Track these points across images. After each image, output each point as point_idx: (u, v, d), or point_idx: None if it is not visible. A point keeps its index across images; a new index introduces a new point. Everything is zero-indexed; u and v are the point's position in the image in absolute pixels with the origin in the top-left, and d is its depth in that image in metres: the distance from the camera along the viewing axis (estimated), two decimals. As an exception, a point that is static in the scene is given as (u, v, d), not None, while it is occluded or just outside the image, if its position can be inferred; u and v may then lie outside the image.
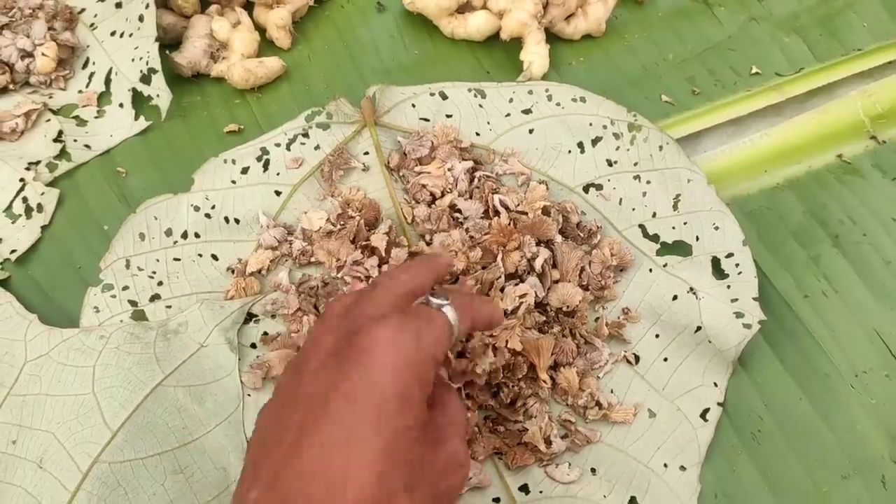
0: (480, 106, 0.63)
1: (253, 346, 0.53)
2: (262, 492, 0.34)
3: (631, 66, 0.68)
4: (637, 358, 0.53)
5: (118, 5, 0.68)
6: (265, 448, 0.36)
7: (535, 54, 0.67)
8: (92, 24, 0.68)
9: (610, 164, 0.60)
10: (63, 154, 0.62)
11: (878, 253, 0.58)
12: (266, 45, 0.69)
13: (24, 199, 0.59)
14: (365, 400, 0.34)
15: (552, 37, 0.70)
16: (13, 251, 0.57)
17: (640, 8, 0.72)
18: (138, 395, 0.49)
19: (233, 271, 0.56)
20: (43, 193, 0.60)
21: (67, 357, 0.51)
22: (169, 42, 0.68)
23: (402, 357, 0.35)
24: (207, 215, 0.57)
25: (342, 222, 0.56)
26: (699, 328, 0.53)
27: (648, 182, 0.59)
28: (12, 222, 0.59)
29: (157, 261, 0.56)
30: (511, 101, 0.63)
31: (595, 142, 0.61)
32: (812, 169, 0.62)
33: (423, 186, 0.58)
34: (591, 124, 0.62)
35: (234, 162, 0.60)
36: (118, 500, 0.47)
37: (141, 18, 0.66)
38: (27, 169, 0.60)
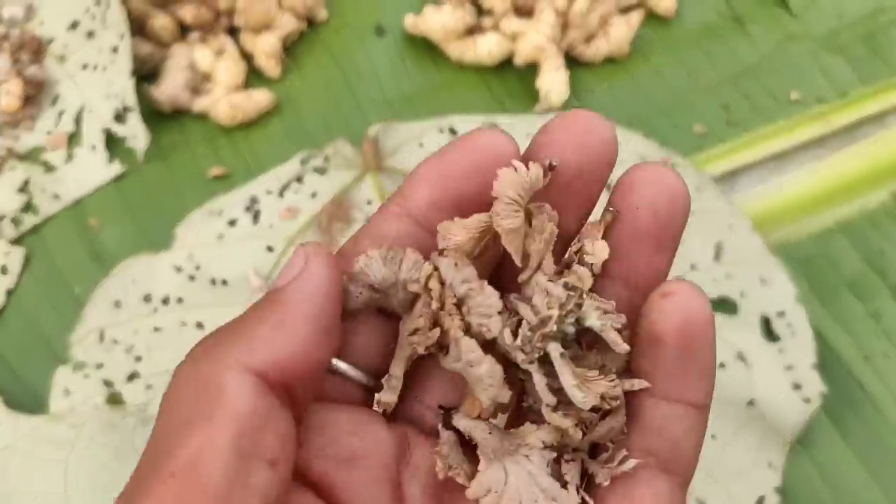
0: (495, 143, 0.57)
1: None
2: None
3: (659, 91, 0.63)
4: (681, 435, 0.48)
5: (90, 35, 0.62)
6: None
7: (554, 81, 0.61)
8: (62, 57, 0.62)
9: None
10: (29, 207, 0.56)
11: (944, 304, 0.52)
12: (254, 76, 0.63)
13: (-14, 260, 0.54)
14: None
15: (571, 61, 0.64)
16: (-27, 320, 0.52)
17: (666, 27, 0.66)
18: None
19: (222, 342, 0.50)
20: (8, 253, 0.54)
21: (36, 448, 0.45)
22: (146, 74, 0.62)
23: None
24: (191, 277, 0.52)
25: (344, 283, 0.51)
26: (751, 402, 0.48)
27: (685, 229, 0.54)
28: (-28, 286, 0.53)
29: (136, 332, 0.50)
30: (529, 136, 0.58)
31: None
32: (865, 209, 0.57)
33: (434, 239, 0.52)
34: (619, 163, 0.56)
35: (220, 213, 0.54)
36: None
37: (115, 50, 0.60)
38: (-11, 225, 0.55)
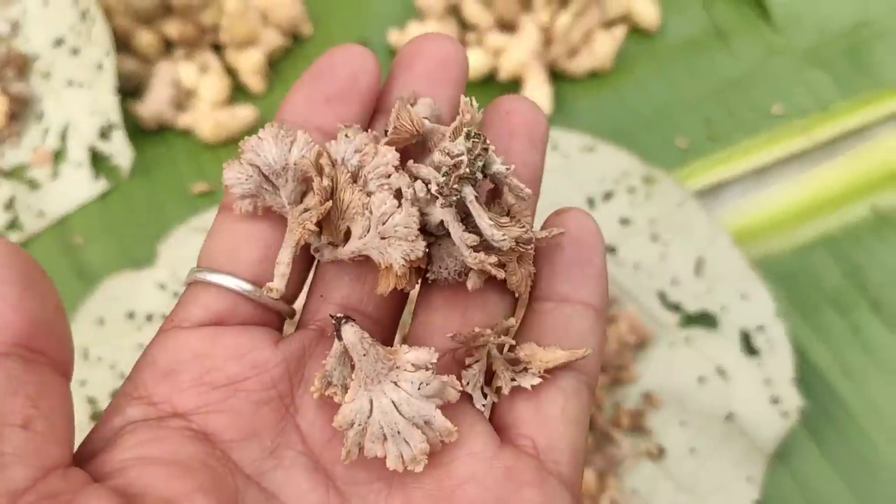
0: (478, 158, 0.58)
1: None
2: None
3: (642, 105, 0.63)
4: (661, 451, 0.48)
5: (75, 52, 0.62)
6: None
7: (538, 96, 0.62)
8: (47, 73, 0.63)
9: (623, 223, 0.55)
10: (14, 224, 0.56)
11: (924, 319, 0.53)
12: (239, 91, 0.64)
13: (-30, 278, 0.54)
14: None
15: (555, 75, 0.64)
16: (-43, 339, 0.52)
17: (650, 41, 0.67)
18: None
19: (205, 359, 0.50)
20: (-10, 270, 0.54)
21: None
22: (131, 90, 0.63)
23: None
24: (175, 294, 0.52)
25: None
26: (730, 415, 0.48)
27: (666, 244, 0.54)
28: (-44, 304, 0.53)
29: (120, 349, 0.50)
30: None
31: (607, 197, 0.56)
32: (847, 223, 0.57)
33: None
34: (601, 179, 0.57)
35: (204, 230, 0.55)
36: None
37: (100, 66, 0.60)
38: (-27, 242, 0.55)
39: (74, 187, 0.58)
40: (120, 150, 0.59)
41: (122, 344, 0.50)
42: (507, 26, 0.65)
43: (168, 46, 0.65)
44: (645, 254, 0.54)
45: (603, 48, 0.64)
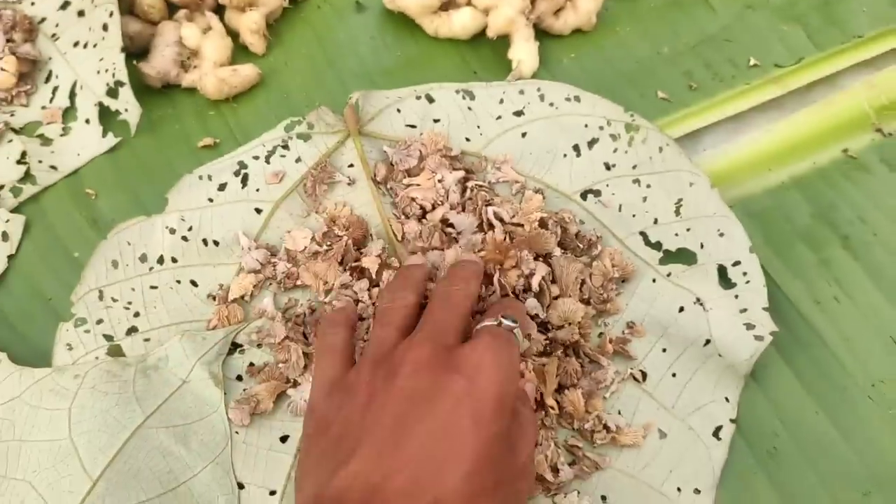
0: (469, 109, 0.60)
1: (239, 378, 0.50)
2: (367, 464, 0.38)
3: (624, 61, 0.66)
4: (644, 375, 0.51)
5: (80, 14, 0.64)
6: (347, 434, 0.40)
7: (525, 52, 0.64)
8: (53, 35, 0.65)
9: (608, 167, 0.58)
10: (28, 177, 0.59)
11: (890, 253, 0.56)
12: (240, 51, 0.66)
13: (-12, 228, 0.56)
14: (470, 403, 0.39)
15: (541, 33, 0.67)
16: (-23, 284, 0.54)
17: (631, -1, 0.70)
18: (119, 439, 0.46)
19: (214, 298, 0.53)
20: (8, 220, 0.56)
21: (41, 399, 0.48)
22: (136, 51, 0.65)
23: (503, 372, 0.41)
24: (184, 238, 0.55)
25: (328, 242, 0.54)
26: (708, 341, 0.51)
27: (649, 186, 0.57)
28: (-25, 253, 0.56)
29: (133, 290, 0.53)
30: (502, 101, 0.61)
31: (591, 144, 0.59)
32: (818, 165, 0.60)
33: (413, 200, 0.55)
34: (586, 125, 0.59)
35: (210, 178, 0.57)
36: None
37: (105, 27, 0.62)
38: (-11, 194, 0.57)
39: (84, 142, 0.60)
40: (127, 107, 0.61)
41: (136, 285, 0.53)
42: (496, -15, 0.67)
43: (171, 8, 0.66)
44: (628, 196, 0.57)
45: (586, 6, 0.67)
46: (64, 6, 0.65)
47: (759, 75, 0.65)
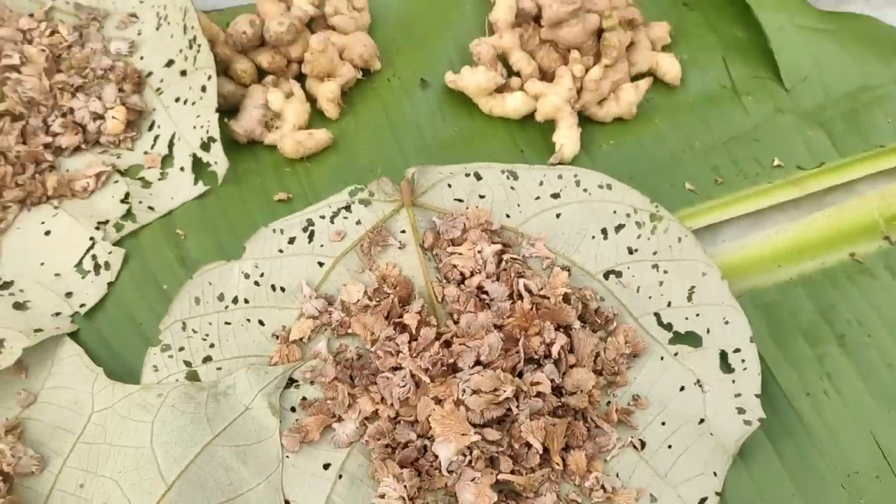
0: (512, 188, 0.69)
1: (292, 409, 0.60)
2: None
3: (659, 151, 0.74)
4: (643, 444, 0.59)
5: (183, 73, 0.75)
6: None
7: (567, 137, 0.73)
8: (158, 90, 0.76)
9: (630, 251, 0.66)
10: (129, 215, 0.70)
11: (882, 356, 0.63)
12: (316, 116, 0.76)
13: (94, 257, 0.67)
14: None
15: (584, 119, 0.76)
16: (82, 305, 0.65)
17: (671, 93, 0.78)
18: (191, 452, 0.57)
19: (277, 337, 0.63)
20: (110, 252, 0.68)
21: (129, 411, 0.59)
22: (227, 109, 0.76)
23: None
24: (256, 283, 0.65)
25: (378, 298, 0.63)
26: (703, 420, 0.59)
27: (666, 272, 0.65)
28: (82, 278, 0.67)
29: (210, 324, 0.63)
30: (541, 184, 0.70)
31: (618, 229, 0.67)
32: (825, 266, 0.67)
33: (454, 267, 0.64)
34: (615, 212, 0.68)
35: (282, 232, 0.67)
36: None
37: (203, 89, 0.73)
38: (97, 228, 0.69)
39: (178, 188, 0.71)
40: (217, 160, 0.72)
41: (213, 320, 0.63)
42: (547, 75, 0.76)
43: (260, 74, 0.78)
44: (646, 279, 0.65)
45: (628, 98, 0.75)
46: (168, 64, 0.77)
47: (782, 175, 0.72)
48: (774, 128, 0.75)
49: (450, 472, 0.56)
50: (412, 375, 0.59)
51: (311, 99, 0.77)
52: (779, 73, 0.77)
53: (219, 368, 0.61)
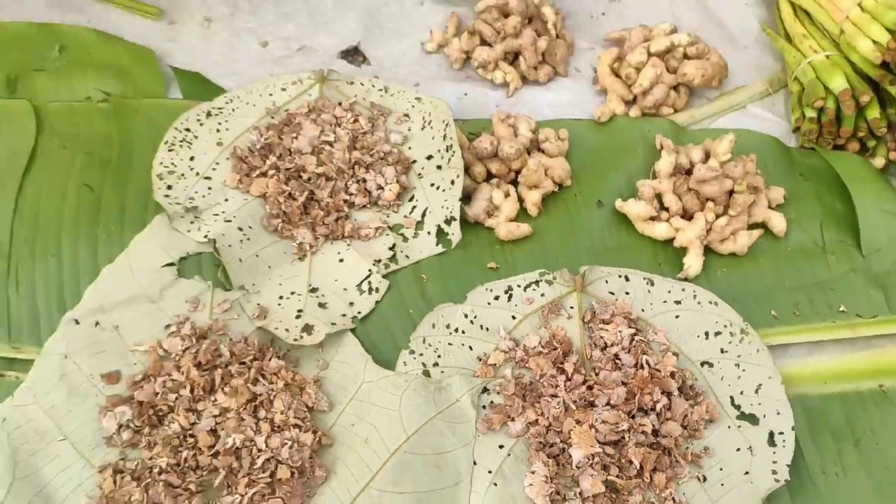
0: (649, 291, 1.03)
1: (483, 407, 0.96)
2: None
3: (757, 283, 1.06)
4: (705, 478, 0.91)
5: (438, 167, 1.13)
6: None
7: (694, 262, 1.06)
8: (419, 174, 1.14)
9: (722, 351, 0.98)
10: (393, 258, 1.08)
11: (884, 459, 0.92)
12: (522, 212, 1.12)
13: (369, 283, 1.06)
14: None
15: (708, 250, 1.08)
16: (359, 312, 1.04)
17: (776, 241, 1.09)
18: (422, 419, 0.94)
19: (480, 360, 0.99)
20: (380, 281, 1.06)
21: (386, 387, 0.96)
22: (463, 197, 1.13)
23: None
24: (471, 321, 1.01)
25: (548, 348, 0.98)
26: (747, 472, 0.90)
27: (744, 370, 0.97)
28: (360, 294, 1.05)
29: (440, 343, 1.00)
30: (669, 292, 1.03)
31: (717, 334, 0.99)
32: (859, 390, 0.97)
33: (601, 338, 0.99)
34: (716, 322, 1.00)
35: (490, 290, 1.04)
36: (406, 476, 0.91)
37: (452, 182, 1.11)
38: (373, 263, 1.07)
39: (425, 246, 1.09)
40: (453, 233, 1.09)
41: (441, 341, 1.00)
42: (687, 214, 1.09)
43: (488, 176, 1.14)
44: (729, 373, 0.97)
45: (743, 241, 1.07)
46: (429, 157, 1.15)
47: (843, 319, 1.02)
48: (847, 283, 1.05)
49: (578, 467, 0.90)
50: (564, 403, 0.93)
51: (521, 200, 1.13)
52: (860, 242, 1.07)
53: (442, 372, 0.98)
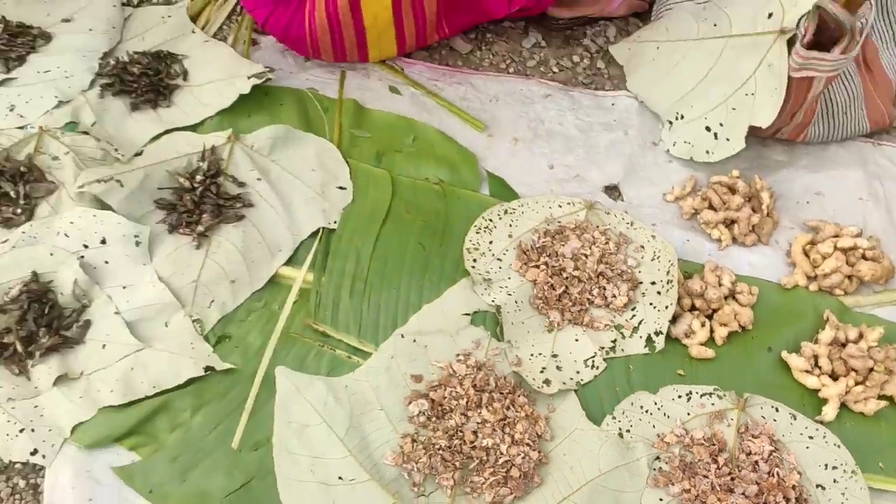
0: (791, 423, 1.45)
1: (654, 469, 1.41)
2: None
3: (875, 439, 1.46)
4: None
5: (658, 293, 1.60)
6: None
7: (831, 411, 1.47)
8: (643, 293, 1.61)
9: (834, 482, 1.39)
10: (612, 348, 1.56)
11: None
12: (710, 340, 1.57)
13: (593, 361, 1.54)
14: None
15: (843, 405, 1.48)
16: (582, 380, 1.52)
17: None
18: (612, 465, 1.41)
19: (659, 436, 1.45)
20: (601, 362, 1.54)
21: (592, 436, 1.44)
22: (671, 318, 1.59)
23: None
24: (658, 408, 1.47)
25: (709, 443, 1.43)
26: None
27: (847, 500, 1.37)
28: (585, 367, 1.54)
29: (633, 416, 1.47)
30: (807, 428, 1.45)
31: (833, 468, 1.40)
32: (925, 535, 1.35)
33: (748, 447, 1.42)
34: (835, 458, 1.41)
35: (676, 390, 1.49)
36: (593, 500, 1.38)
37: (666, 307, 1.57)
38: (599, 349, 1.55)
39: (635, 347, 1.56)
40: (659, 343, 1.55)
41: (636, 416, 1.47)
42: (834, 375, 1.50)
43: (692, 307, 1.60)
44: (836, 499, 1.37)
45: (871, 406, 1.47)
46: (652, 283, 1.62)
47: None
48: (944, 460, 1.42)
49: (711, 528, 1.34)
50: (712, 484, 1.38)
51: (711, 331, 1.58)
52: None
53: (631, 437, 1.45)
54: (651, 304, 1.61)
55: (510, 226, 1.70)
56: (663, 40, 1.89)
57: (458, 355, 1.54)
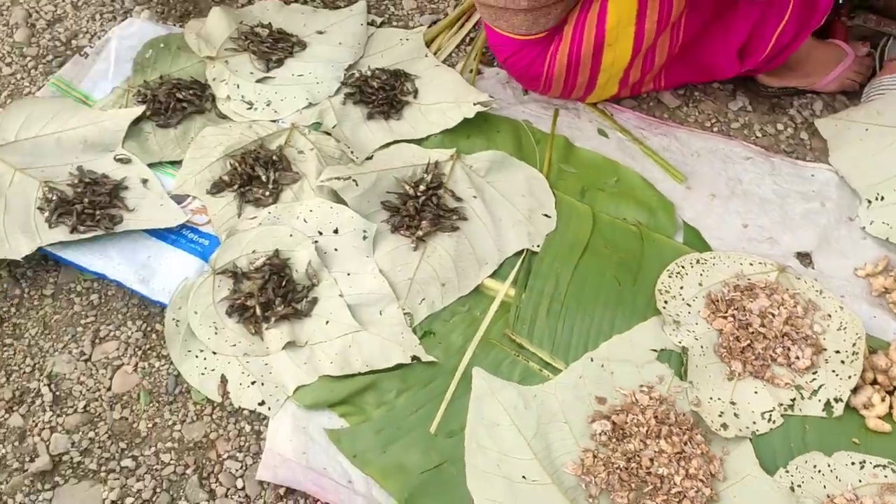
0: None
1: None
2: None
3: None
4: None
5: (842, 362, 1.69)
6: None
7: None
8: (826, 360, 1.70)
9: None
10: (791, 406, 1.66)
11: None
12: (888, 415, 1.64)
13: (770, 415, 1.65)
14: None
15: None
16: (757, 430, 1.63)
17: None
18: None
19: (829, 496, 1.54)
20: (778, 417, 1.64)
21: (764, 485, 1.55)
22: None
23: None
24: (831, 470, 1.56)
25: None
26: None
27: None
28: (761, 419, 1.64)
29: (806, 472, 1.57)
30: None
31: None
32: None
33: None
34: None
35: (849, 457, 1.58)
36: None
37: (849, 377, 1.66)
38: (778, 405, 1.66)
39: (814, 409, 1.66)
40: (837, 410, 1.64)
41: (808, 473, 1.56)
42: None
43: (874, 381, 1.68)
44: None
45: None
46: (836, 352, 1.71)
47: None
48: None
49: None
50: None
51: (891, 406, 1.65)
52: None
53: (802, 492, 1.54)
54: (833, 371, 1.69)
55: (701, 275, 1.83)
56: (874, 123, 1.98)
57: (641, 386, 1.68)
